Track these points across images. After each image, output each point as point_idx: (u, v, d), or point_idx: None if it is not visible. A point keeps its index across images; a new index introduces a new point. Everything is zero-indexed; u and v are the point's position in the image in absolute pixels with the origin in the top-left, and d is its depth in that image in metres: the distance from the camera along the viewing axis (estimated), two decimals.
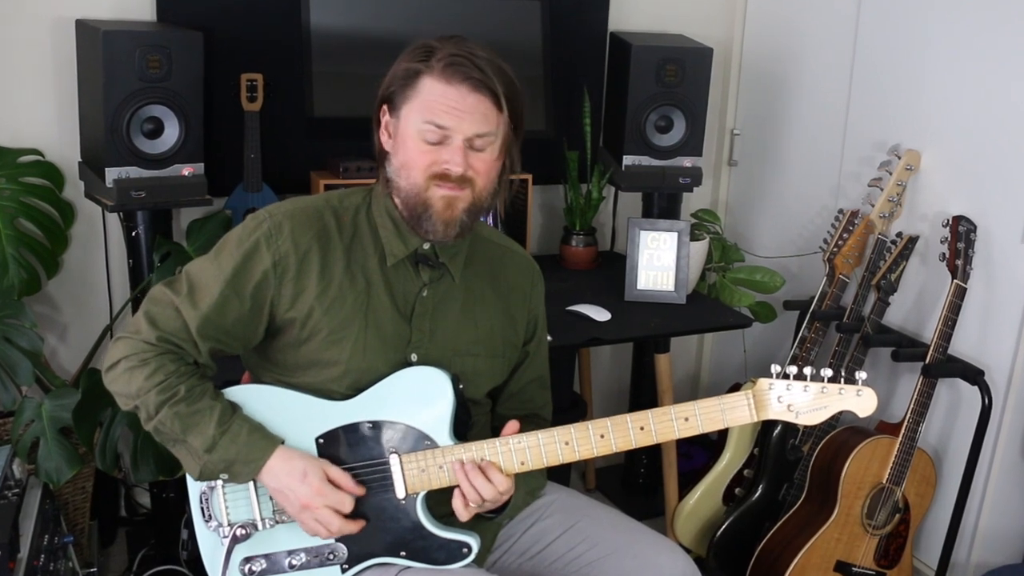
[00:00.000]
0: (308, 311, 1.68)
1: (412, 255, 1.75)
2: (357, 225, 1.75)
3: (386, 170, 1.72)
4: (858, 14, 3.05)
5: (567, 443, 1.66)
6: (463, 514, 1.66)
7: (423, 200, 1.66)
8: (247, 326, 1.69)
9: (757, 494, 2.84)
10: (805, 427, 2.76)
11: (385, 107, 1.71)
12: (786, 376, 1.63)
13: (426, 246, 1.75)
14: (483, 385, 1.84)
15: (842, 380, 1.63)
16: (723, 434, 2.97)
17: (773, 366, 1.63)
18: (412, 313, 1.75)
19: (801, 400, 1.62)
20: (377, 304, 1.72)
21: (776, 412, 1.62)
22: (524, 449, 1.67)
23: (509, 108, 1.66)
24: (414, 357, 1.74)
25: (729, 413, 1.64)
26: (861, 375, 1.62)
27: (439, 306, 1.77)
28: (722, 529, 2.84)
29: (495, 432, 1.75)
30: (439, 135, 1.63)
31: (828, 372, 1.63)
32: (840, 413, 1.65)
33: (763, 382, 1.63)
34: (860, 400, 1.62)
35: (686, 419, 1.65)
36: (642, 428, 1.65)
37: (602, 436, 1.66)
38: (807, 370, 1.63)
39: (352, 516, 1.66)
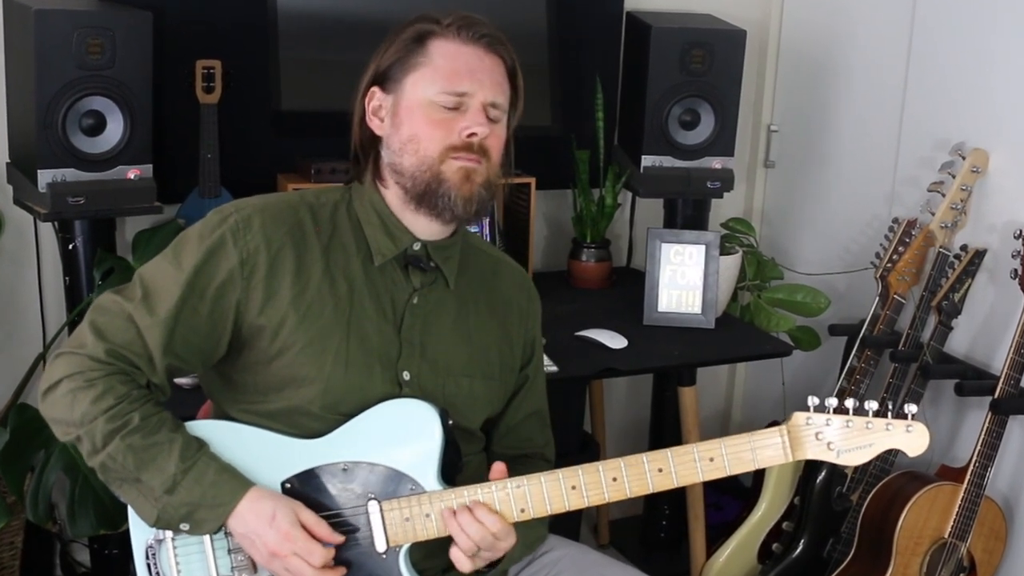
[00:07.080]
0: (281, 319, 1.70)
1: (401, 256, 1.78)
2: (336, 222, 1.79)
3: (382, 157, 1.78)
4: None
5: (574, 487, 1.68)
6: (465, 565, 1.67)
7: (436, 174, 1.71)
8: (208, 336, 1.70)
9: (798, 550, 2.85)
10: (847, 468, 2.77)
11: (375, 89, 1.77)
12: (825, 409, 1.65)
13: (416, 246, 1.79)
14: (479, 413, 1.86)
15: (889, 414, 1.65)
16: (758, 481, 2.98)
17: (811, 398, 1.65)
18: (401, 323, 1.77)
19: (842, 437, 1.64)
20: (360, 312, 1.74)
21: (814, 451, 1.64)
22: (524, 494, 1.68)
23: (515, 83, 1.79)
24: (406, 375, 1.76)
25: (760, 452, 1.66)
26: (911, 408, 1.65)
27: (430, 317, 1.80)
28: None
29: None
30: (455, 100, 1.70)
31: (873, 405, 1.65)
32: (889, 453, 1.67)
33: (799, 416, 1.65)
34: (910, 437, 1.64)
35: (711, 459, 1.66)
36: (660, 470, 1.67)
37: (615, 479, 1.67)
38: (849, 402, 1.65)
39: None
